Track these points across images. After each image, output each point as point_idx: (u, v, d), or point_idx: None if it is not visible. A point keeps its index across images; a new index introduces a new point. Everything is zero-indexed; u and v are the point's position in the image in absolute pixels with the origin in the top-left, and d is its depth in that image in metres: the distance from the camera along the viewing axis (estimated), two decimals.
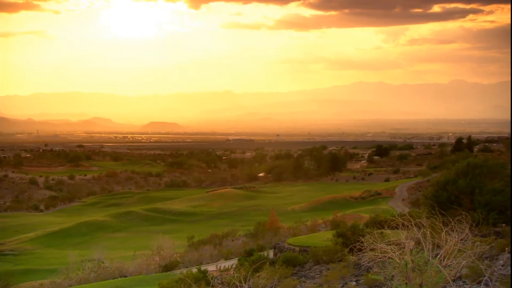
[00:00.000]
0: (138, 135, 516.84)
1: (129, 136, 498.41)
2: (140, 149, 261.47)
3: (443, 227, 11.00)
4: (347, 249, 17.28)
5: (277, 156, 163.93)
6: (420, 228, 11.05)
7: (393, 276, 10.32)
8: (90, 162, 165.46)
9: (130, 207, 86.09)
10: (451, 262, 10.31)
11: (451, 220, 11.15)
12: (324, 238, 22.73)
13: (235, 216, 72.57)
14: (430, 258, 10.09)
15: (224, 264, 24.08)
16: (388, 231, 12.73)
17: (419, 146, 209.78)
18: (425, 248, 10.44)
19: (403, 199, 67.43)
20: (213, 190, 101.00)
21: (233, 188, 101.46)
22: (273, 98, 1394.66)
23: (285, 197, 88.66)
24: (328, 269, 16.79)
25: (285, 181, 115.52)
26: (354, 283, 14.08)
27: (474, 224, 11.96)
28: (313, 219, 44.36)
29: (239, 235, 43.66)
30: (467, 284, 11.29)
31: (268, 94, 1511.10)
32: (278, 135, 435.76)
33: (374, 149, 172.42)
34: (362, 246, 11.45)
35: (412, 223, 11.17)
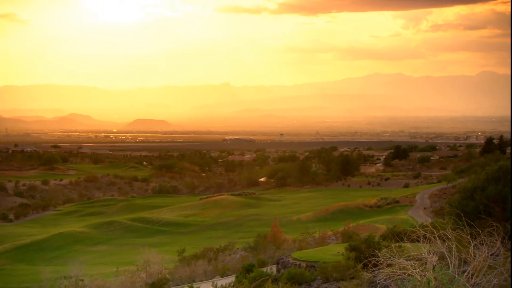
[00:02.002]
0: (122, 134, 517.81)
1: (111, 135, 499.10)
2: (124, 150, 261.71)
3: (471, 240, 10.97)
4: (360, 265, 17.26)
5: (281, 159, 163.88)
6: (444, 241, 11.01)
7: None
8: (66, 165, 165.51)
9: (112, 216, 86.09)
10: (480, 280, 10.27)
11: (480, 232, 11.11)
12: (334, 252, 22.71)
13: (233, 226, 72.61)
14: (456, 276, 10.06)
15: (220, 281, 24.06)
16: (408, 245, 12.69)
17: (443, 147, 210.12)
18: (450, 264, 10.41)
19: (424, 208, 67.44)
20: (208, 197, 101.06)
21: (230, 194, 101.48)
22: (277, 92, 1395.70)
23: (289, 205, 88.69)
24: (339, 287, 16.77)
25: (290, 186, 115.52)
26: None
27: (506, 237, 11.94)
28: (321, 230, 44.32)
29: (237, 248, 43.68)
30: None
31: (271, 88, 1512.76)
32: (281, 134, 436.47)
33: (392, 151, 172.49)
34: (377, 262, 11.42)
35: (435, 236, 11.14)
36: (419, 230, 11.60)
